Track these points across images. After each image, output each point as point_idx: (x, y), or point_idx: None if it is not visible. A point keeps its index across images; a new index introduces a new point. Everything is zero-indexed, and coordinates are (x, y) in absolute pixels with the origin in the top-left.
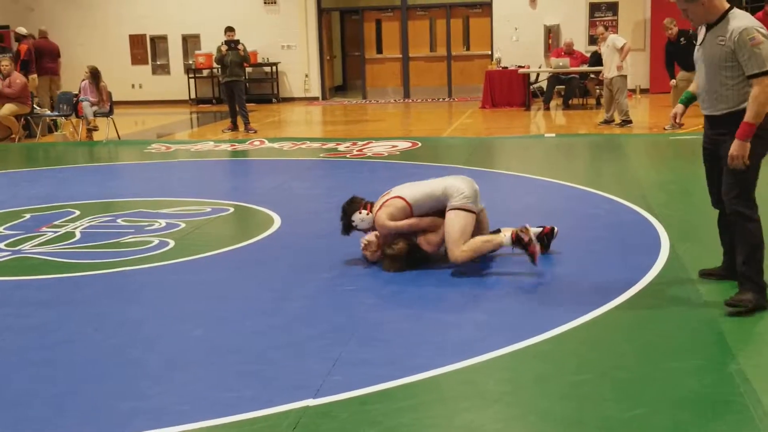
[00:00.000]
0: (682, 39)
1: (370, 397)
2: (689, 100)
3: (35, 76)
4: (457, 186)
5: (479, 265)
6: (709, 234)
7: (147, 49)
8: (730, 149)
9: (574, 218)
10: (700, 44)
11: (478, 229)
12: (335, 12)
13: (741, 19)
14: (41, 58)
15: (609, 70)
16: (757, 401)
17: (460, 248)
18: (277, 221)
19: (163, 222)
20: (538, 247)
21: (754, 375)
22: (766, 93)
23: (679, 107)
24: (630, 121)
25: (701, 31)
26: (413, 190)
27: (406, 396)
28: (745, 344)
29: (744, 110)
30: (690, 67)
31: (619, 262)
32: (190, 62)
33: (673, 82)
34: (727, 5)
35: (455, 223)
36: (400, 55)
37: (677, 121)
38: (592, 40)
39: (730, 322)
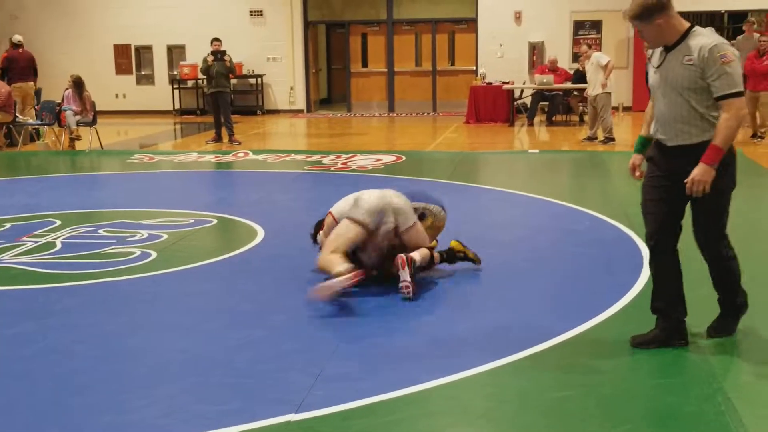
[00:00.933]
0: None
1: (353, 412)
2: (644, 146)
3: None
4: (365, 198)
5: (463, 280)
6: (690, 251)
7: (131, 59)
8: (694, 173)
9: (557, 234)
10: (657, 68)
11: (369, 245)
12: (321, 25)
13: (708, 36)
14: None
15: (593, 88)
16: (738, 420)
17: (323, 254)
18: (261, 233)
19: (145, 233)
20: (410, 288)
21: (735, 394)
22: (738, 117)
23: (636, 158)
24: (613, 139)
25: (656, 54)
26: (339, 204)
27: (389, 411)
28: (727, 363)
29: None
30: None
31: (601, 279)
32: (175, 73)
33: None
34: (687, 24)
35: (335, 229)
36: (386, 69)
37: (636, 174)
38: (576, 57)
39: (713, 341)
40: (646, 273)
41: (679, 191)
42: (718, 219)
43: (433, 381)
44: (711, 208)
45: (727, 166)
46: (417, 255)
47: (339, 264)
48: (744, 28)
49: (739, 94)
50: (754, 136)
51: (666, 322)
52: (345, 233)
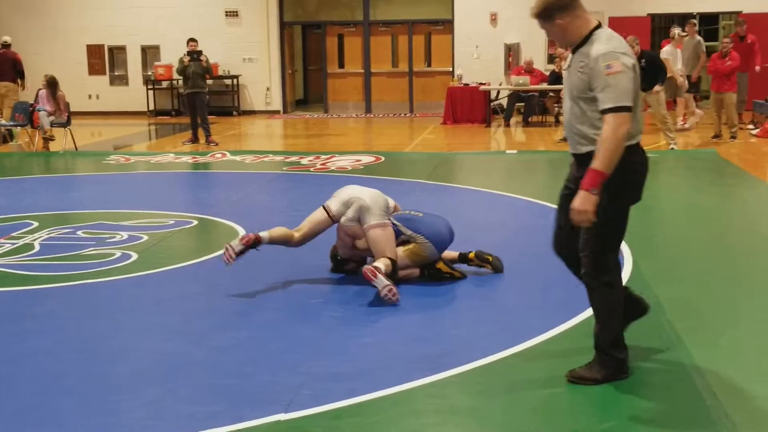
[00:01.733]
0: (642, 60)
1: (343, 411)
2: None
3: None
4: (344, 189)
5: (446, 281)
6: (670, 250)
7: (105, 60)
8: (573, 202)
9: (536, 234)
10: (565, 70)
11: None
12: (297, 26)
13: (605, 42)
14: None
15: None
16: (724, 415)
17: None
18: (242, 234)
19: (125, 234)
20: (393, 289)
21: (720, 390)
22: (617, 135)
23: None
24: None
25: (569, 55)
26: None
27: (379, 410)
28: (712, 359)
29: None
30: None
31: None
32: (149, 73)
33: None
34: (594, 24)
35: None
36: (362, 70)
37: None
38: (551, 58)
39: (695, 338)
40: (626, 271)
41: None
42: (599, 245)
43: (421, 380)
44: (592, 234)
45: (618, 190)
46: (379, 264)
47: (265, 233)
48: (686, 29)
49: (620, 110)
50: (716, 136)
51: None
52: (311, 216)
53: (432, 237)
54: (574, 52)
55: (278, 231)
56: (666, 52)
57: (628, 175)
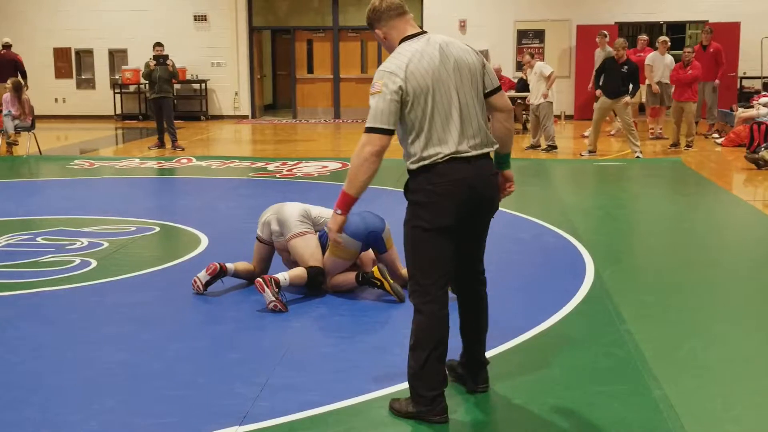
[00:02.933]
0: (625, 67)
1: (299, 423)
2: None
3: None
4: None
5: (405, 290)
6: (632, 259)
7: (71, 63)
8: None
9: (502, 242)
10: None
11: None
12: (266, 31)
13: (389, 59)
14: None
15: (535, 97)
16: (680, 427)
17: None
18: (205, 241)
19: (85, 241)
20: (278, 306)
21: (677, 401)
22: (359, 156)
23: None
24: (555, 147)
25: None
26: None
27: (336, 422)
28: (668, 370)
29: (411, 171)
30: (610, 94)
31: (545, 286)
32: (117, 77)
33: (598, 92)
34: (404, 35)
35: None
36: (331, 76)
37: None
38: (520, 66)
39: (653, 348)
40: (589, 280)
41: None
42: (409, 268)
43: (379, 391)
44: (406, 255)
45: (411, 213)
46: (285, 275)
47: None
48: (597, 40)
49: (370, 130)
50: (674, 145)
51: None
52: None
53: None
54: None
55: (242, 265)
56: (650, 58)
57: (418, 197)
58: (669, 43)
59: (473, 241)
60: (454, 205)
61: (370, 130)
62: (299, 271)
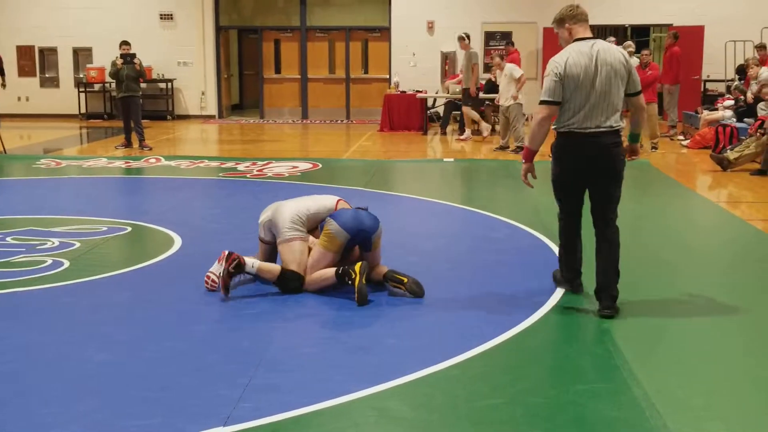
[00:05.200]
0: None
1: (282, 424)
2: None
3: None
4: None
5: (384, 290)
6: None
7: (35, 61)
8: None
9: (476, 242)
10: None
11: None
12: (233, 30)
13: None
14: None
15: (505, 99)
16: (663, 425)
17: None
18: (178, 241)
19: (56, 241)
20: (210, 281)
21: (658, 399)
22: (536, 119)
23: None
24: (524, 148)
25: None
26: None
27: (319, 423)
28: (648, 368)
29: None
30: None
31: (522, 285)
32: (81, 76)
33: None
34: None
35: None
36: (299, 76)
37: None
38: (488, 67)
39: (632, 347)
40: None
41: None
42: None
43: (361, 391)
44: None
45: (553, 158)
46: (256, 262)
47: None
48: (459, 43)
49: (541, 102)
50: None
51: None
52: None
53: (333, 216)
54: None
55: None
56: None
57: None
58: (633, 48)
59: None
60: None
61: (541, 102)
62: (273, 267)
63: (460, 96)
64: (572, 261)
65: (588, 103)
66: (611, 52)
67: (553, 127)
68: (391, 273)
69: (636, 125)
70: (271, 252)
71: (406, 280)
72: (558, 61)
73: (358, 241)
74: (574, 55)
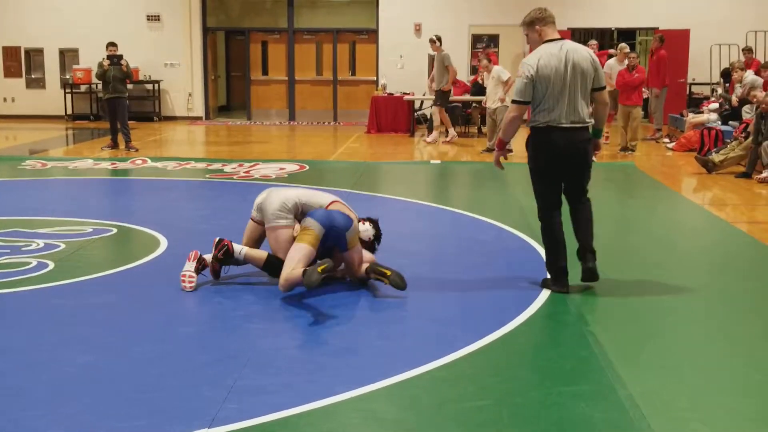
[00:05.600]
0: None
1: (268, 425)
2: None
3: None
4: None
5: (373, 291)
6: None
7: (21, 62)
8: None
9: (463, 244)
10: None
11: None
12: (220, 32)
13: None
14: None
15: (492, 101)
16: (647, 427)
17: None
18: (164, 243)
19: (41, 242)
20: (185, 279)
21: (642, 401)
22: (508, 117)
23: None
24: (511, 150)
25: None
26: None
27: (305, 424)
28: (633, 370)
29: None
30: None
31: (508, 287)
32: (68, 77)
33: None
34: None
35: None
36: (286, 78)
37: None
38: (474, 70)
39: (616, 349)
40: None
41: None
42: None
43: (347, 393)
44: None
45: (532, 153)
46: (243, 249)
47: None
48: (431, 46)
49: (513, 101)
50: (624, 149)
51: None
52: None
53: (309, 213)
54: None
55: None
56: (608, 66)
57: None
58: (628, 50)
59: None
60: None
61: (513, 102)
62: (260, 253)
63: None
64: (558, 260)
65: (561, 101)
66: (579, 51)
67: (530, 124)
68: (374, 266)
69: (599, 121)
70: (260, 235)
71: (389, 273)
72: (530, 63)
73: (333, 237)
74: (545, 56)
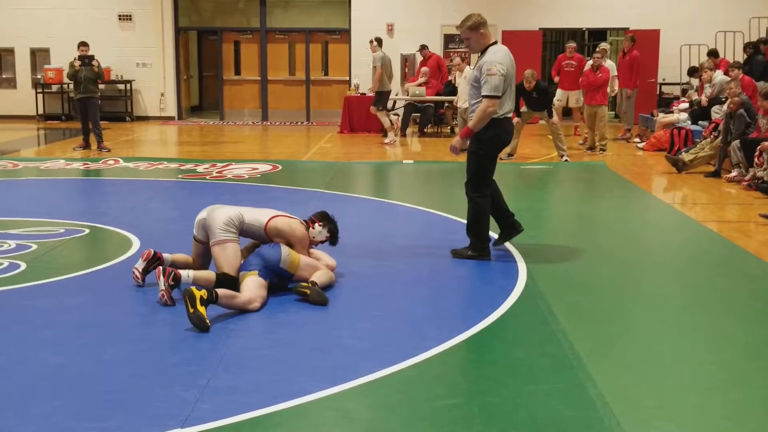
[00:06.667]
0: (534, 93)
1: (240, 425)
2: None
3: None
4: None
5: (346, 290)
6: (563, 260)
7: None
8: (453, 142)
9: (435, 244)
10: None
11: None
12: (192, 31)
13: (495, 54)
14: None
15: (464, 101)
16: (616, 424)
17: None
18: (136, 243)
19: (12, 243)
20: (164, 296)
21: (612, 399)
22: (484, 111)
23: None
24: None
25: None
26: None
27: (277, 424)
28: (602, 368)
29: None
30: (525, 118)
31: (479, 286)
32: (39, 77)
33: (516, 119)
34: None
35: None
36: (259, 78)
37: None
38: (447, 70)
39: (586, 347)
40: (521, 280)
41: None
42: (475, 172)
43: (319, 392)
44: (472, 166)
45: (491, 142)
46: (190, 272)
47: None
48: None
49: (489, 97)
50: (590, 149)
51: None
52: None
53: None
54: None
55: (182, 257)
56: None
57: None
58: (608, 51)
59: None
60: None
61: (492, 97)
62: (207, 275)
63: (420, 98)
64: (505, 216)
65: (510, 95)
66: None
67: (494, 116)
68: (296, 287)
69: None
70: (204, 253)
71: (308, 291)
72: (501, 62)
73: (274, 272)
74: (505, 56)
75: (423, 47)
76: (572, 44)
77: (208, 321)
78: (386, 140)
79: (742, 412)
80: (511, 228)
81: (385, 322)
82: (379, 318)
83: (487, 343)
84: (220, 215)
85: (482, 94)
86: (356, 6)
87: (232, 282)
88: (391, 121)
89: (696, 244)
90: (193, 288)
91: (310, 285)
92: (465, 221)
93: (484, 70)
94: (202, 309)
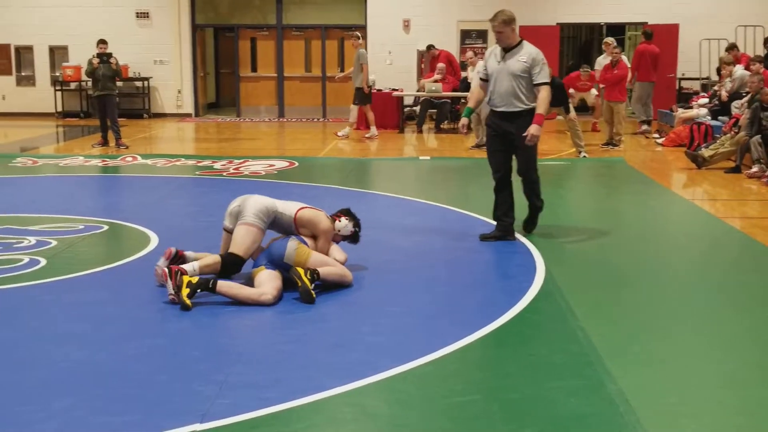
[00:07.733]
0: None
1: (259, 420)
2: (471, 113)
3: None
4: None
5: (364, 286)
6: (582, 256)
7: (11, 60)
8: (532, 131)
9: (452, 240)
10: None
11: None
12: (209, 29)
13: (537, 50)
14: None
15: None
16: (636, 421)
17: None
18: (155, 239)
19: (33, 239)
20: (174, 299)
21: (632, 395)
22: (549, 96)
23: (464, 120)
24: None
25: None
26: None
27: (296, 419)
28: (622, 365)
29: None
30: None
31: (498, 283)
32: (58, 74)
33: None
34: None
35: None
36: (275, 74)
37: (465, 132)
38: (463, 66)
39: (606, 344)
40: (540, 277)
41: (510, 140)
42: (533, 151)
43: (338, 388)
44: (531, 153)
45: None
46: (195, 264)
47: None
48: (353, 42)
49: (547, 84)
50: (607, 144)
51: (502, 225)
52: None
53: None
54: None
55: (208, 260)
56: (598, 63)
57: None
58: (615, 44)
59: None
60: None
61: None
62: (212, 260)
63: (437, 94)
64: (506, 216)
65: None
66: None
67: (528, 105)
68: (292, 271)
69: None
70: (228, 245)
71: (299, 284)
72: (542, 54)
73: (281, 267)
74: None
75: (430, 47)
76: (611, 39)
77: (189, 303)
78: (339, 133)
79: (764, 410)
80: (504, 230)
81: (403, 318)
82: (397, 314)
83: (506, 340)
84: (255, 203)
85: (543, 81)
86: (372, 2)
87: (238, 263)
88: (367, 118)
89: (716, 240)
90: (185, 276)
91: (305, 278)
92: (481, 217)
93: (539, 60)
94: (184, 293)
